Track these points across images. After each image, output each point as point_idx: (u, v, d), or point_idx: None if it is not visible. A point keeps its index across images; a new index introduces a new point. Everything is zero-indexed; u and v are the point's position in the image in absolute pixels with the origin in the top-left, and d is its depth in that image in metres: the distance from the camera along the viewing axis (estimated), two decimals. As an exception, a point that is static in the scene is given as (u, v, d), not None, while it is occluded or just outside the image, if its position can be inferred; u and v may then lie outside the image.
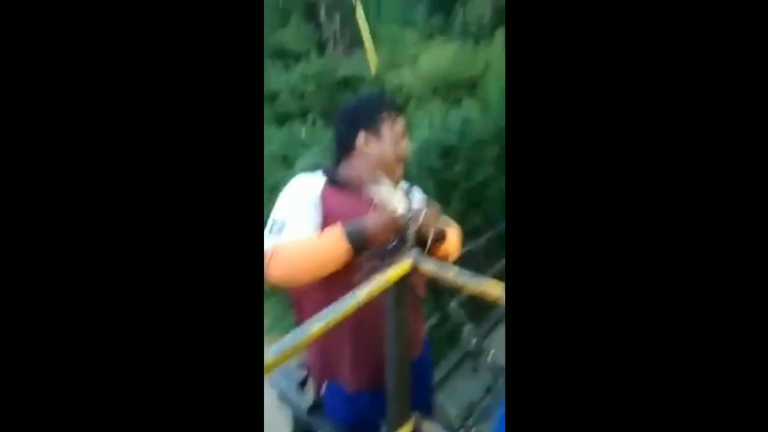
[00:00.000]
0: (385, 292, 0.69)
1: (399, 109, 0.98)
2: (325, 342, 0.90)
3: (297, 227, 0.80)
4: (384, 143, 0.92)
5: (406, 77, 5.14)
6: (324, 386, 0.97)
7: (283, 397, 1.24)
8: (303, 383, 1.22)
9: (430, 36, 5.98)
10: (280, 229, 0.80)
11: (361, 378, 0.90)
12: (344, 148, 0.94)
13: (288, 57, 7.71)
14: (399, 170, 0.94)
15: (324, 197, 0.86)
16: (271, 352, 0.49)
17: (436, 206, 0.87)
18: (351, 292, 0.61)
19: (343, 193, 0.88)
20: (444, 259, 0.96)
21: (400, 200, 0.81)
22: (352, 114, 0.96)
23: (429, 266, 0.70)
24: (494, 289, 0.61)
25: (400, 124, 0.95)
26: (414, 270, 0.71)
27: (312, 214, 0.83)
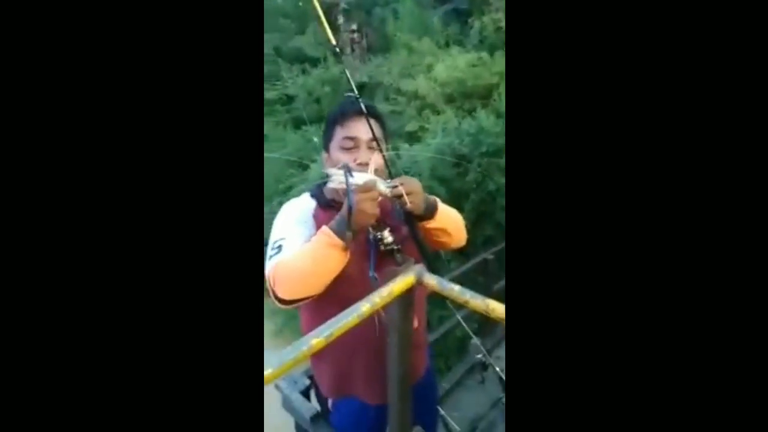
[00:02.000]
0: (388, 306, 0.69)
1: (361, 113, 0.84)
2: (339, 358, 0.90)
3: (293, 245, 0.80)
4: (333, 159, 0.86)
5: (421, 85, 5.16)
6: (331, 401, 0.98)
7: (287, 405, 1.24)
8: (307, 392, 1.24)
9: (446, 45, 6.00)
10: (279, 250, 0.81)
11: (381, 391, 0.90)
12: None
13: (305, 62, 7.82)
14: None
15: (316, 218, 0.86)
16: (270, 364, 0.50)
17: (415, 181, 0.80)
18: (353, 306, 0.61)
19: (333, 214, 0.88)
20: (446, 246, 0.91)
21: (368, 175, 0.77)
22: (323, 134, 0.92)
23: (432, 281, 0.70)
24: (497, 308, 0.60)
25: (359, 130, 0.84)
26: (417, 284, 0.71)
27: (306, 232, 0.83)
